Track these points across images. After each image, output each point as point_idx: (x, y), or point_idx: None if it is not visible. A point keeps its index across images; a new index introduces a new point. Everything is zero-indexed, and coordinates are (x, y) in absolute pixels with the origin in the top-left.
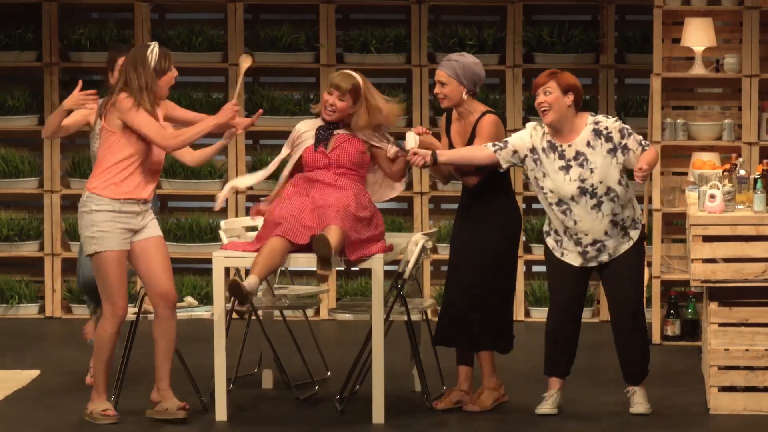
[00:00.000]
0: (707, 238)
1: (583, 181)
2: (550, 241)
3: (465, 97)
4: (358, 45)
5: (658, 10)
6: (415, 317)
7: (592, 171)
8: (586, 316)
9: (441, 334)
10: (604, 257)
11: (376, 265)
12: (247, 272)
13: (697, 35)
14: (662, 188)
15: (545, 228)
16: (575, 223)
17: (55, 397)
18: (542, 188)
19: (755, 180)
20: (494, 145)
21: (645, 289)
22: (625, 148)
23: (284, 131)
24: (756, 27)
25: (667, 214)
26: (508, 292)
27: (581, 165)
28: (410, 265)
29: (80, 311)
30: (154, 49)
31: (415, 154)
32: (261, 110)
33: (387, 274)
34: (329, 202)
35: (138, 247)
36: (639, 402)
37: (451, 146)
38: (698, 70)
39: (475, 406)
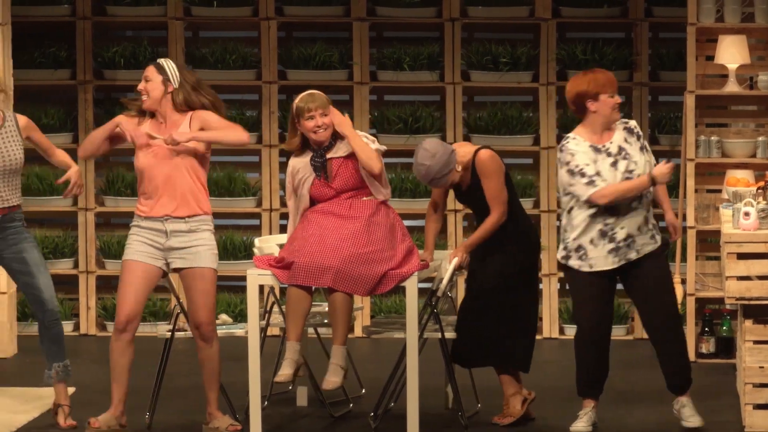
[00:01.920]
0: (741, 256)
1: (630, 172)
2: (574, 262)
3: (459, 169)
4: (391, 63)
5: (691, 27)
6: (449, 335)
7: (636, 164)
8: (620, 333)
9: (469, 354)
10: (632, 254)
11: (410, 282)
12: (281, 289)
13: (731, 52)
14: (696, 206)
15: (563, 253)
16: (618, 216)
17: (90, 415)
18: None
19: None
20: (589, 184)
21: (679, 306)
22: (645, 149)
23: None
24: None
25: (702, 232)
26: (535, 310)
27: (625, 158)
28: (444, 282)
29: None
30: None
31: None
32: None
33: (421, 292)
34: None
35: (182, 274)
36: (692, 414)
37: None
38: (732, 87)
39: (507, 417)
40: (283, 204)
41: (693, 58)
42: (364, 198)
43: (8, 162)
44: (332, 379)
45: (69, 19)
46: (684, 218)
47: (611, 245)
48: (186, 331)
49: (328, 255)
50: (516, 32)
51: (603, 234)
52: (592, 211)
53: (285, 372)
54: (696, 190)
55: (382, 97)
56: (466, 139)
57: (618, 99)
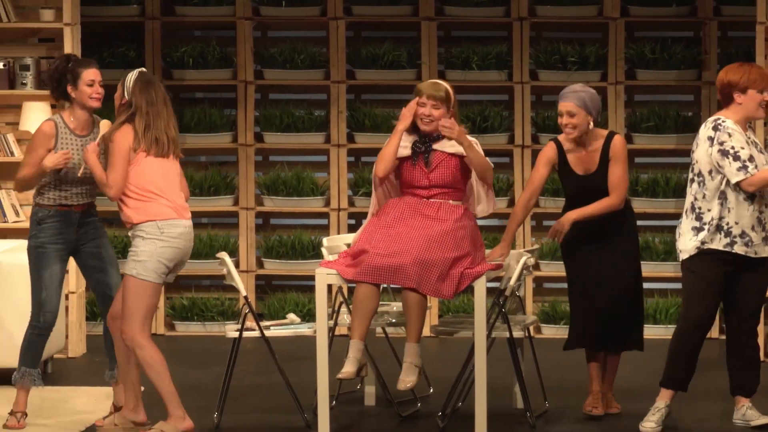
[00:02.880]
0: None
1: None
2: (720, 239)
3: (591, 126)
4: (459, 62)
5: (760, 26)
6: (517, 334)
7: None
8: None
9: (607, 338)
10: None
11: (479, 282)
12: (350, 289)
13: None
14: None
15: (711, 232)
16: (766, 206)
17: (159, 414)
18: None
19: None
20: (742, 168)
21: None
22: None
23: None
24: None
25: None
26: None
27: (761, 152)
28: (512, 281)
29: (182, 328)
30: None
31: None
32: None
33: (489, 291)
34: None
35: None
36: (757, 415)
37: (569, 176)
38: None
39: (614, 408)
40: (351, 204)
41: (762, 56)
42: (451, 201)
43: None
44: (408, 379)
45: (138, 20)
46: None
47: (764, 233)
48: (254, 330)
49: (413, 255)
50: (584, 31)
51: (760, 222)
52: (746, 195)
53: (348, 369)
54: None
55: None
56: (534, 139)
57: (767, 97)
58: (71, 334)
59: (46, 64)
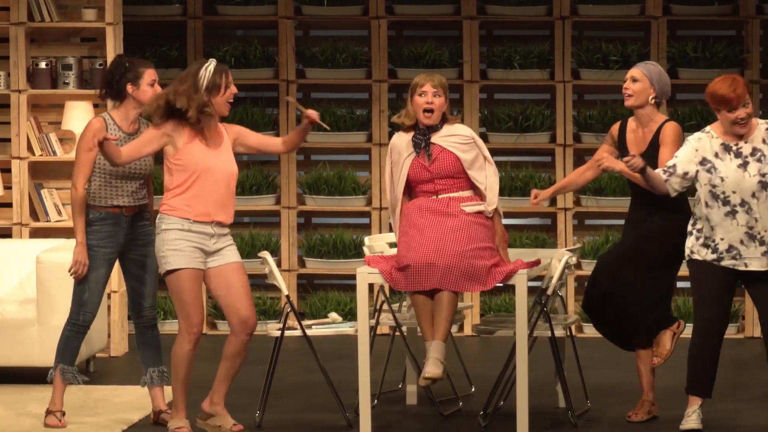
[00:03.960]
0: None
1: (763, 175)
2: (706, 254)
3: (651, 101)
4: (501, 61)
5: None
6: (559, 333)
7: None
8: (731, 332)
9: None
10: None
11: (520, 281)
12: (391, 289)
13: None
14: None
15: (700, 243)
16: (756, 221)
17: (198, 414)
18: (723, 194)
19: None
20: (664, 172)
21: None
22: None
23: None
24: None
25: None
26: None
27: (759, 160)
28: (554, 280)
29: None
30: (209, 66)
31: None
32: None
33: (531, 290)
34: (446, 251)
35: (215, 272)
36: None
37: (622, 154)
38: None
39: (657, 358)
40: None
41: None
42: (460, 193)
43: (141, 166)
44: (431, 369)
45: (180, 19)
46: None
47: (763, 248)
48: (296, 329)
49: (431, 256)
50: (626, 30)
51: (752, 237)
52: (726, 221)
53: (429, 369)
54: None
55: (492, 96)
56: (576, 138)
57: (740, 113)
58: (113, 333)
59: (88, 63)
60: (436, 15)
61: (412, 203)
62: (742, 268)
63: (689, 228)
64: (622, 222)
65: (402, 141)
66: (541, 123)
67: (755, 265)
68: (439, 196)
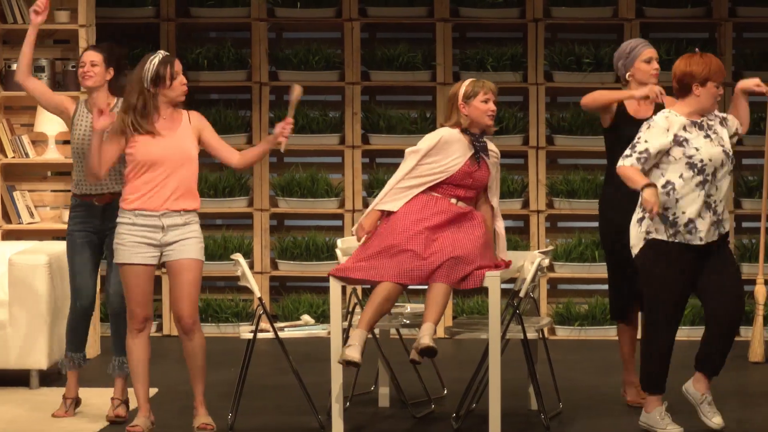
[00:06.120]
0: None
1: (722, 146)
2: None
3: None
4: (474, 63)
5: None
6: (531, 336)
7: (724, 139)
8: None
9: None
10: (723, 229)
11: (493, 283)
12: (363, 290)
13: None
14: None
15: (655, 235)
16: (716, 189)
17: (167, 416)
18: (701, 162)
19: None
20: (638, 161)
21: (762, 307)
22: (725, 121)
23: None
24: None
25: None
26: None
27: (715, 132)
28: (526, 283)
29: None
30: (153, 60)
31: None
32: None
33: (504, 293)
34: (462, 247)
35: (168, 266)
36: (714, 413)
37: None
38: None
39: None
40: (366, 205)
41: None
42: (463, 204)
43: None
44: (424, 341)
45: (153, 21)
46: None
47: (715, 217)
48: (268, 331)
49: (425, 252)
50: (599, 33)
51: (707, 207)
52: (694, 193)
53: (351, 352)
54: None
55: None
56: (549, 140)
57: (721, 91)
58: None
59: (61, 65)
60: (410, 17)
61: (416, 200)
62: (698, 242)
63: (638, 217)
64: (595, 224)
65: (454, 138)
66: (514, 125)
67: (706, 237)
68: (458, 203)
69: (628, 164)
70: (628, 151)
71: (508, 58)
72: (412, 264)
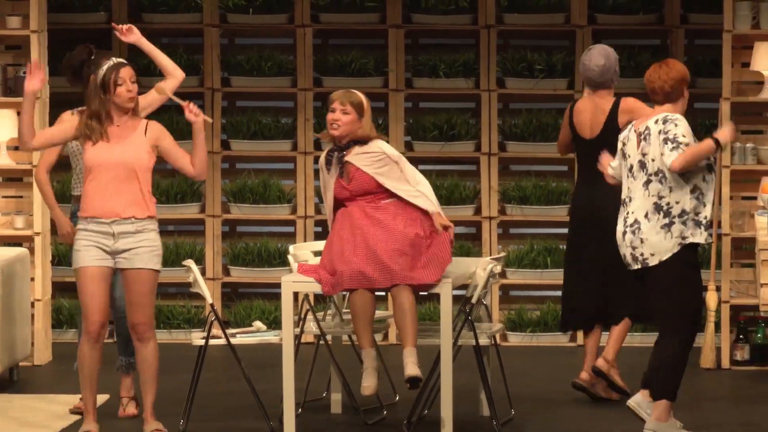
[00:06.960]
0: None
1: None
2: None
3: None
4: (427, 70)
5: (727, 34)
6: (483, 342)
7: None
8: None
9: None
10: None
11: (445, 290)
12: (316, 296)
13: (767, 59)
14: (731, 213)
15: (693, 239)
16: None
17: (116, 422)
18: (714, 162)
19: None
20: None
21: (713, 313)
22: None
23: None
24: None
25: (737, 239)
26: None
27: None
28: (478, 289)
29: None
30: (104, 66)
31: None
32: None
33: (455, 299)
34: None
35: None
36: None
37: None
38: None
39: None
40: (318, 212)
41: (729, 65)
42: (383, 202)
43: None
44: (409, 372)
45: (105, 27)
46: (719, 225)
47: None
48: (220, 337)
49: (366, 256)
50: (551, 39)
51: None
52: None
53: (369, 383)
54: (731, 197)
55: (418, 105)
56: (501, 147)
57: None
58: (37, 341)
59: (12, 71)
60: (362, 23)
61: (343, 210)
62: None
63: (662, 223)
64: (547, 231)
65: (324, 159)
66: (467, 132)
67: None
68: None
69: (679, 153)
70: (670, 147)
71: (461, 64)
72: (368, 270)
